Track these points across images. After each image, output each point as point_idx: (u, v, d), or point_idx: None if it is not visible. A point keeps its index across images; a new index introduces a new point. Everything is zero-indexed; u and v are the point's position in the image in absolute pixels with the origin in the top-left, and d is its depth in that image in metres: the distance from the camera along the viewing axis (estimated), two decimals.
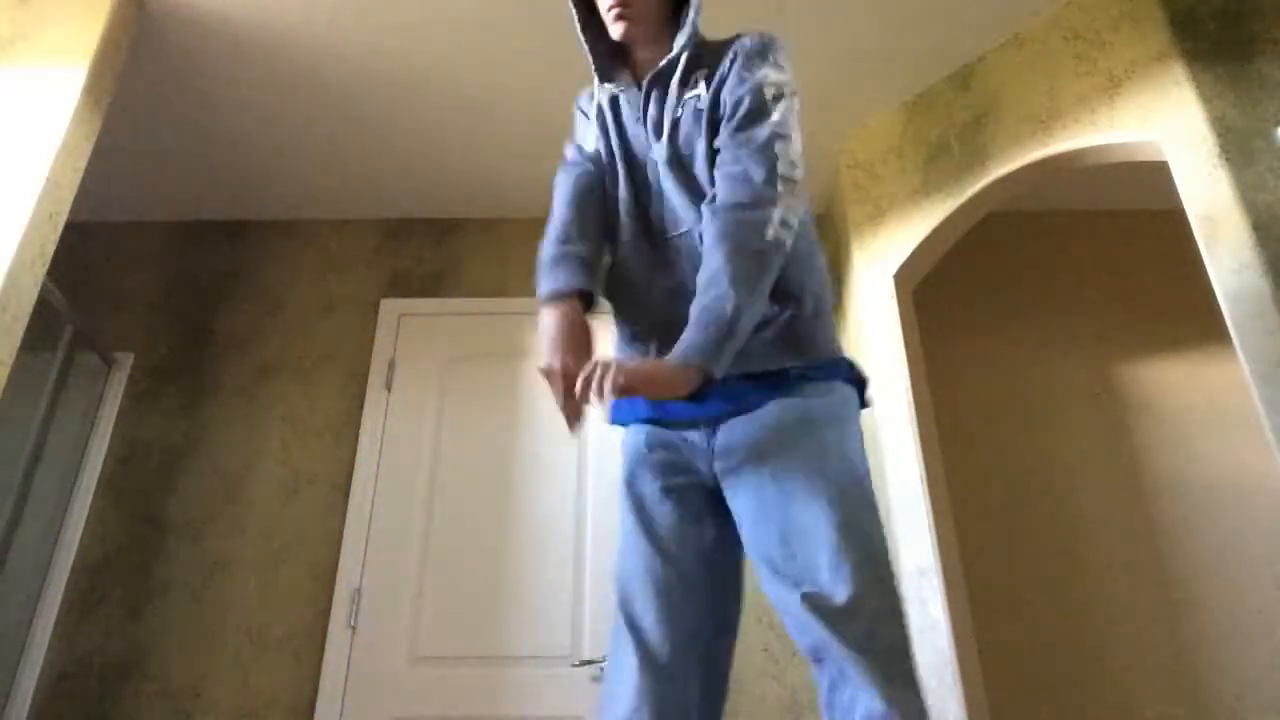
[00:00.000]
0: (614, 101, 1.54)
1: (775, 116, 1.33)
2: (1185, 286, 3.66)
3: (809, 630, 1.17)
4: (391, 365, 3.45)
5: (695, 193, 1.39)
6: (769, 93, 1.35)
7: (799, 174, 1.32)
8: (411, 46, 2.91)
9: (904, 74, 3.08)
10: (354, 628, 2.99)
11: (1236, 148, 2.25)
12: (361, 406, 3.39)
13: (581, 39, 1.54)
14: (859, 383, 1.42)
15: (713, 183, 1.35)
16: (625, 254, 1.47)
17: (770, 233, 1.25)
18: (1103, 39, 2.66)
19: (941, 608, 2.53)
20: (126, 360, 3.45)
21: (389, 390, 3.41)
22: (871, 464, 2.97)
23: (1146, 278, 3.70)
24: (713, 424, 1.34)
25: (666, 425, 1.39)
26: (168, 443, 3.31)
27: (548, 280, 1.40)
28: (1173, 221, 3.82)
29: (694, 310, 1.23)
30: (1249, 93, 2.33)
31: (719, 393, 1.31)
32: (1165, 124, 2.41)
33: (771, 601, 1.24)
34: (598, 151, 1.56)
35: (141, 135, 3.29)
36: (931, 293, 3.69)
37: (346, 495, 3.22)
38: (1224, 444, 3.34)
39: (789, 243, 1.27)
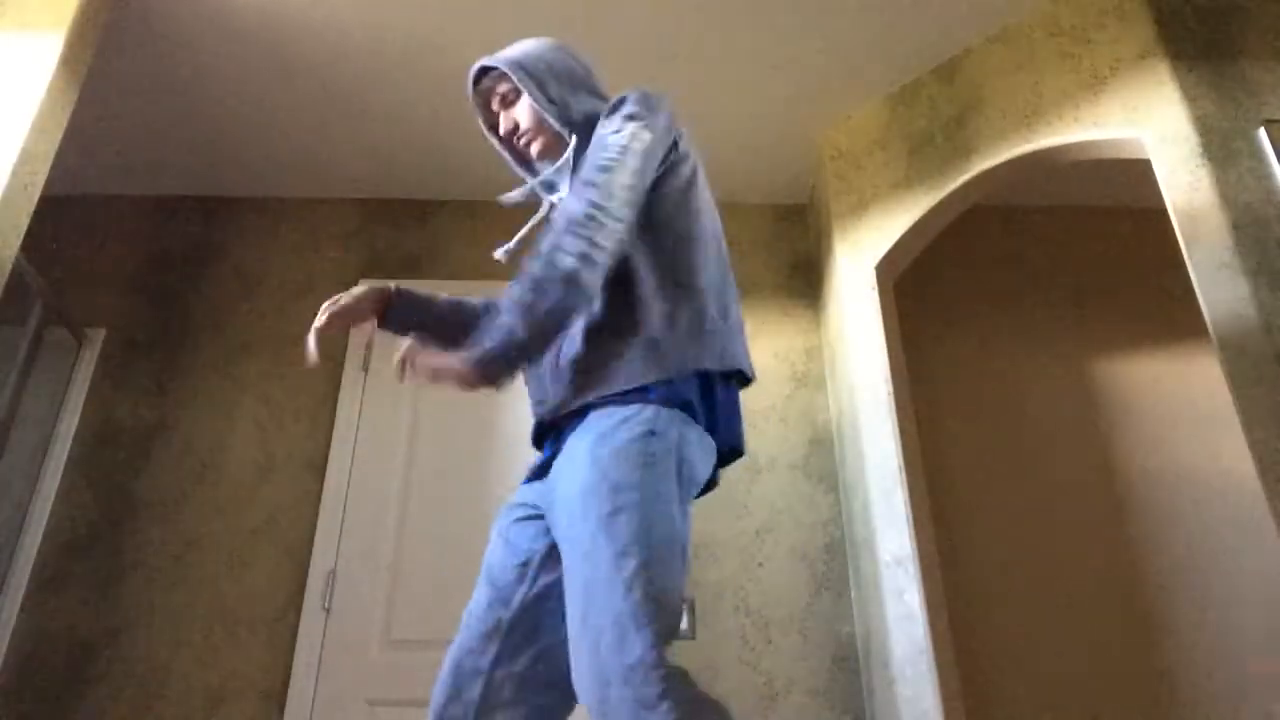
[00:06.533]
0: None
1: (604, 156, 1.33)
2: (1166, 283, 3.71)
3: None
4: (369, 347, 3.42)
5: None
6: (606, 139, 1.36)
7: (616, 206, 1.28)
8: (394, 25, 2.88)
9: (889, 66, 3.08)
10: (328, 610, 2.97)
11: (1218, 147, 2.28)
12: (338, 388, 3.35)
13: (501, 149, 1.65)
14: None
15: None
16: None
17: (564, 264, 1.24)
18: (1088, 36, 2.68)
19: (918, 597, 2.55)
20: (98, 336, 3.39)
21: (366, 372, 3.38)
22: (851, 453, 3.02)
23: (1128, 274, 3.74)
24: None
25: None
26: (140, 421, 3.26)
27: None
28: (1154, 219, 3.88)
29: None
30: (1232, 94, 2.36)
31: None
32: (1148, 122, 2.43)
33: None
34: None
35: (118, 107, 3.23)
36: (913, 284, 3.71)
37: (322, 476, 3.19)
38: (1201, 440, 3.39)
39: (587, 276, 1.24)
